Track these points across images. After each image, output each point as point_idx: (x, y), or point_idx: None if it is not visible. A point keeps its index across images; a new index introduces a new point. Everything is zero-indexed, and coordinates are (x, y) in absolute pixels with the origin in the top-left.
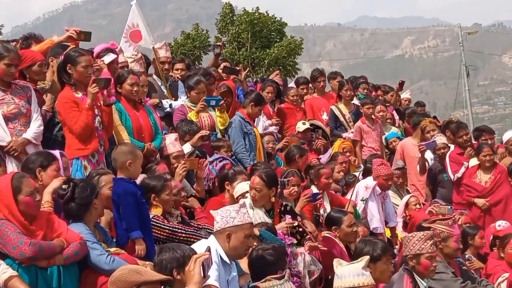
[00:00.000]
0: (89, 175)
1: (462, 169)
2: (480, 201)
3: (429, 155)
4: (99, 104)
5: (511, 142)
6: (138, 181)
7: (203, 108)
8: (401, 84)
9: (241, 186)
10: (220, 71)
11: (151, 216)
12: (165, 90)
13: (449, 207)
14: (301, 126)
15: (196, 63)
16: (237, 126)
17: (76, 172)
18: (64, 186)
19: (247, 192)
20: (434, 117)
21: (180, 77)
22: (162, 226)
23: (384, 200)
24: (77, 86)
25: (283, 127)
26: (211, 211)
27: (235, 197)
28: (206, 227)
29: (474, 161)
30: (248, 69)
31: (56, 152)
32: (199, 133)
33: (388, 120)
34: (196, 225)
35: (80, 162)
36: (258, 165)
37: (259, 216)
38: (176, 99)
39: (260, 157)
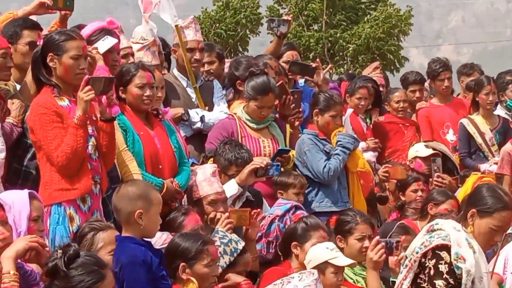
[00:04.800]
0: (77, 232)
1: None
2: None
3: None
4: (94, 119)
5: None
6: (157, 241)
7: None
8: None
9: (317, 252)
10: (283, 65)
11: None
12: (193, 95)
13: None
14: (422, 150)
15: (240, 48)
16: (311, 147)
17: (57, 226)
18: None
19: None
20: None
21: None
22: None
23: None
24: (61, 89)
25: (384, 153)
26: None
27: (308, 268)
28: None
29: None
30: (330, 65)
31: (24, 194)
32: (250, 164)
33: None
34: None
35: (63, 210)
36: (351, 214)
37: None
38: (210, 109)
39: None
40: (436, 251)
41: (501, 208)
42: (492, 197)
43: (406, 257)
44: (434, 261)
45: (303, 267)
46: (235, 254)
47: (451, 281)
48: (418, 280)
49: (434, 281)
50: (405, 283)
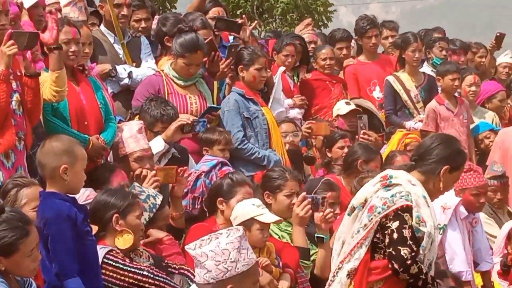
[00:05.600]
0: (1, 188)
1: None
2: None
3: None
4: (18, 74)
5: None
6: (80, 197)
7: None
8: (499, 39)
9: (243, 208)
10: (210, 22)
11: (102, 251)
12: (120, 51)
13: None
14: (343, 107)
15: (168, 5)
16: (232, 109)
17: None
18: None
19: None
20: None
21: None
22: (122, 267)
23: (473, 228)
24: None
25: (310, 110)
26: (187, 248)
27: (234, 225)
28: (186, 272)
29: None
30: (256, 21)
31: None
32: (177, 121)
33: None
34: (173, 267)
35: None
36: (279, 170)
37: None
38: (138, 65)
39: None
40: (399, 212)
41: (466, 160)
42: (459, 152)
43: (355, 208)
44: (397, 223)
45: (228, 223)
46: (154, 210)
47: (414, 247)
48: (375, 240)
49: (399, 247)
50: (365, 243)
